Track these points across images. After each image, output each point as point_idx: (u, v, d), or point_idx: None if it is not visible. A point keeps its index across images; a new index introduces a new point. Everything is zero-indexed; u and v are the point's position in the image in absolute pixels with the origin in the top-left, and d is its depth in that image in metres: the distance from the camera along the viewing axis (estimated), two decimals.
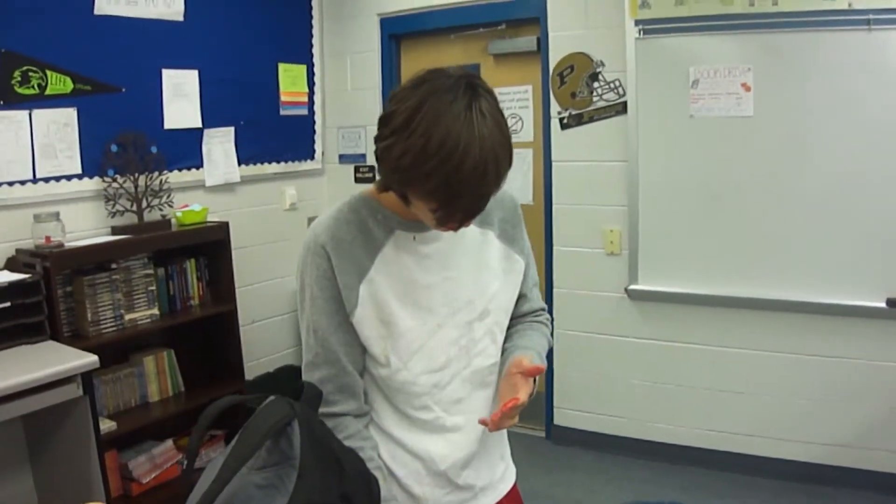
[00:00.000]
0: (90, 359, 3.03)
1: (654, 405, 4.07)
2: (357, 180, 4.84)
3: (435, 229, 1.46)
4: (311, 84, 4.81)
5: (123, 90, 3.81)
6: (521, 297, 1.74)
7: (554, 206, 4.19)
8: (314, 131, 4.86)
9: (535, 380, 1.58)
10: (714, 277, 3.78)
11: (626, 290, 3.99)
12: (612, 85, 3.95)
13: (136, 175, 3.84)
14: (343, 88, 4.85)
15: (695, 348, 3.92)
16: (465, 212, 1.38)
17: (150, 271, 3.79)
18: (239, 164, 4.38)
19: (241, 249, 4.38)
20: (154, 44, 3.95)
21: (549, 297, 4.26)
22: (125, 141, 3.81)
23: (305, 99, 4.76)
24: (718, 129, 3.68)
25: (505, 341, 1.70)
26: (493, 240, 1.67)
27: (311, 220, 4.82)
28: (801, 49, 3.48)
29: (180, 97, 4.08)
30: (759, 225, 3.65)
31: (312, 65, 4.81)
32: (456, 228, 1.44)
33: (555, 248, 4.22)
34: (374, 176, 4.75)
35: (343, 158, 4.90)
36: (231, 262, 4.06)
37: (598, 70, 3.98)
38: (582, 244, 4.14)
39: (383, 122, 1.37)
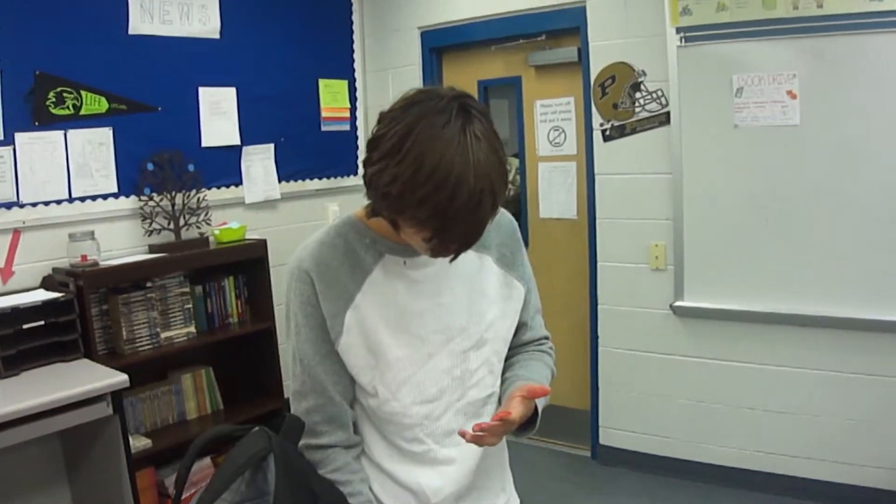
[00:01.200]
0: (120, 378, 3.05)
1: (701, 425, 3.92)
2: None
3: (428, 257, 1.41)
4: (352, 99, 4.81)
5: (159, 109, 3.86)
6: (521, 326, 1.67)
7: (598, 221, 4.08)
8: (356, 146, 4.84)
9: (538, 414, 1.51)
10: (761, 293, 3.62)
11: (671, 306, 3.86)
12: (654, 95, 3.82)
13: (173, 193, 3.89)
14: (385, 103, 4.73)
15: (741, 367, 3.75)
16: (460, 241, 1.31)
17: (187, 289, 3.82)
18: (279, 180, 4.40)
19: (283, 267, 4.34)
20: (190, 62, 4.00)
21: (593, 314, 4.16)
22: (161, 159, 3.86)
23: (347, 114, 4.76)
24: (764, 139, 3.53)
25: (504, 371, 1.62)
26: (491, 265, 1.59)
27: None
28: (848, 53, 3.31)
29: (218, 115, 4.11)
30: (807, 238, 3.49)
31: (354, 80, 4.80)
32: (452, 258, 1.38)
33: (599, 263, 4.10)
34: None
35: None
36: (269, 280, 4.06)
37: (639, 80, 3.86)
38: (626, 259, 4.01)
39: (372, 145, 1.32)
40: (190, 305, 3.82)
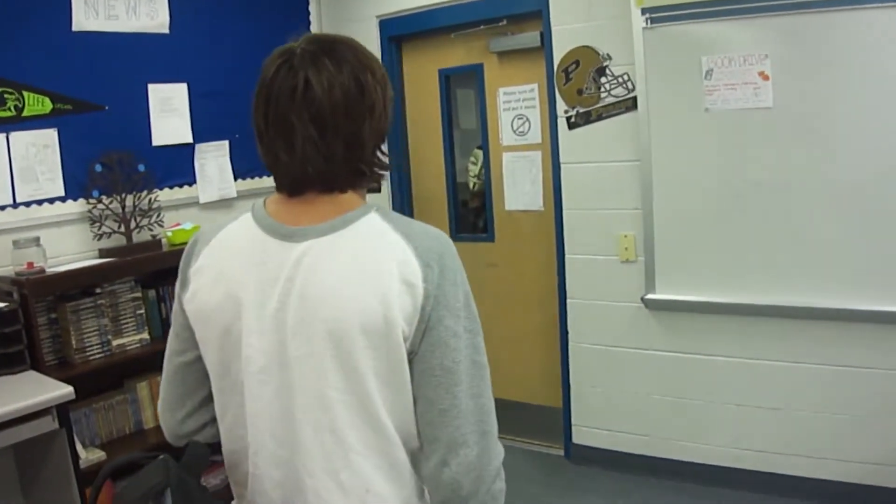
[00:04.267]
0: (64, 390, 2.81)
1: (679, 422, 3.64)
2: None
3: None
4: None
5: (107, 108, 3.54)
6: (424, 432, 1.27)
7: (564, 212, 3.79)
8: None
9: None
10: (738, 284, 3.35)
11: (642, 299, 3.58)
12: (620, 79, 3.55)
13: (123, 195, 3.58)
14: None
15: (720, 361, 3.49)
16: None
17: (139, 294, 3.51)
18: (235, 178, 4.08)
19: None
20: (138, 58, 3.67)
21: (562, 309, 3.88)
22: (110, 160, 3.54)
23: None
24: (736, 123, 3.25)
25: None
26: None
27: None
28: (823, 31, 3.03)
29: (169, 112, 3.79)
30: (785, 225, 3.22)
31: None
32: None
33: (567, 256, 3.81)
34: (378, 187, 4.40)
35: None
36: None
37: (604, 64, 3.58)
38: (595, 251, 3.73)
39: None
40: (142, 311, 3.51)
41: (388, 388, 1.21)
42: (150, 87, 3.73)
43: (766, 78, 3.18)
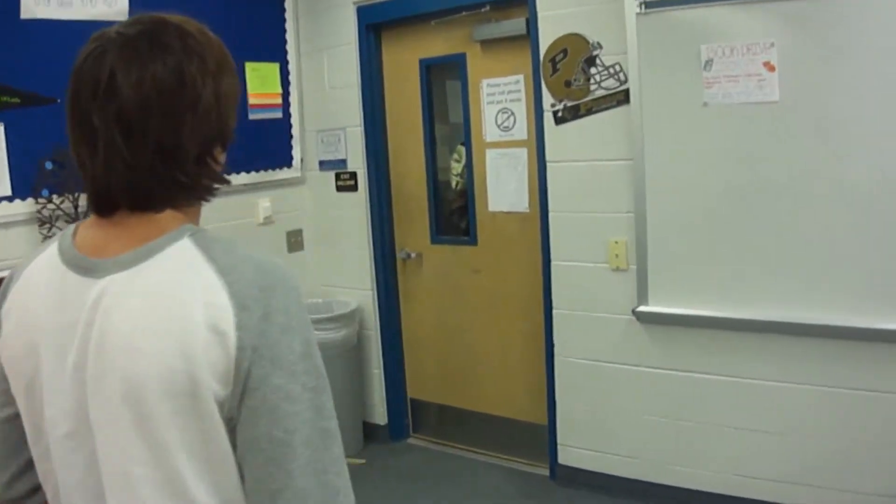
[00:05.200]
0: None
1: (671, 445, 3.27)
2: (339, 188, 4.14)
3: None
4: (285, 84, 4.12)
5: (59, 101, 3.16)
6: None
7: (550, 215, 3.43)
8: (291, 136, 4.16)
9: None
10: (739, 297, 2.97)
11: (633, 311, 3.22)
12: (611, 70, 3.18)
13: (76, 194, 3.25)
14: (321, 87, 4.15)
15: (717, 380, 3.11)
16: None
17: None
18: None
19: None
20: None
21: (547, 319, 3.51)
22: (62, 157, 3.19)
23: (279, 100, 4.06)
24: (738, 119, 2.87)
25: None
26: None
27: (290, 234, 4.20)
28: (836, 17, 2.65)
29: None
30: (792, 233, 2.84)
31: (286, 63, 4.11)
32: None
33: (553, 263, 3.45)
34: (355, 184, 4.09)
35: (323, 165, 4.21)
36: None
37: (594, 53, 3.21)
38: (583, 258, 3.36)
39: None
40: None
41: (204, 464, 0.92)
42: None
43: (771, 69, 2.80)
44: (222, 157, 1.07)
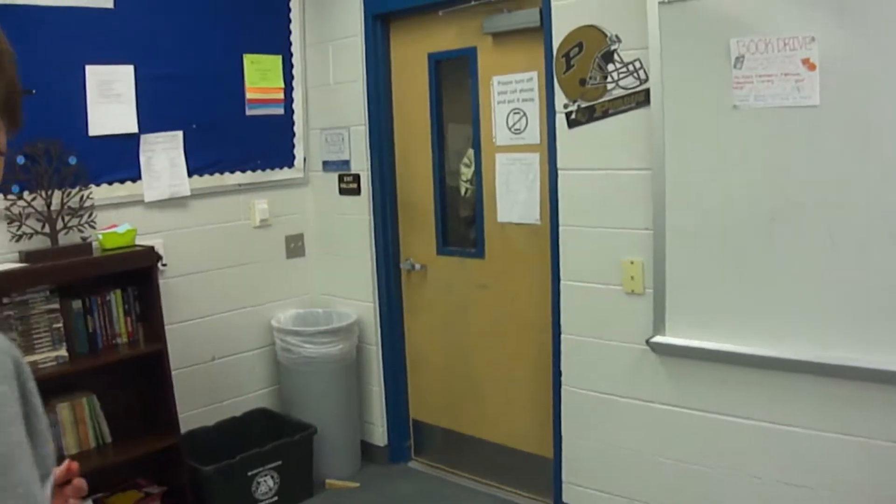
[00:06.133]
0: None
1: (687, 492, 2.83)
2: (342, 192, 3.80)
3: None
4: (288, 78, 3.79)
5: (34, 92, 2.95)
6: None
7: (561, 229, 3.03)
8: (293, 134, 3.84)
9: None
10: (768, 330, 2.52)
11: (648, 342, 2.81)
12: (630, 67, 2.76)
13: (50, 191, 3.00)
14: (325, 81, 3.82)
15: (739, 423, 2.66)
16: None
17: (55, 305, 2.94)
18: (190, 174, 3.44)
19: (198, 274, 3.51)
20: (75, 36, 3.09)
21: (555, 344, 3.11)
22: (35, 151, 2.97)
23: (281, 95, 3.74)
24: (772, 125, 2.43)
25: None
26: None
27: (290, 238, 3.88)
28: (889, 8, 2.19)
29: (109, 97, 3.19)
30: (829, 258, 2.37)
31: (290, 55, 3.78)
32: None
33: (562, 282, 3.04)
34: (358, 187, 3.74)
35: (327, 166, 3.87)
36: (158, 294, 3.13)
37: (612, 48, 2.80)
38: (595, 279, 2.95)
39: None
40: (60, 325, 2.93)
41: None
42: (89, 68, 3.14)
43: (811, 67, 2.34)
44: None
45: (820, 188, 2.38)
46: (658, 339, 2.77)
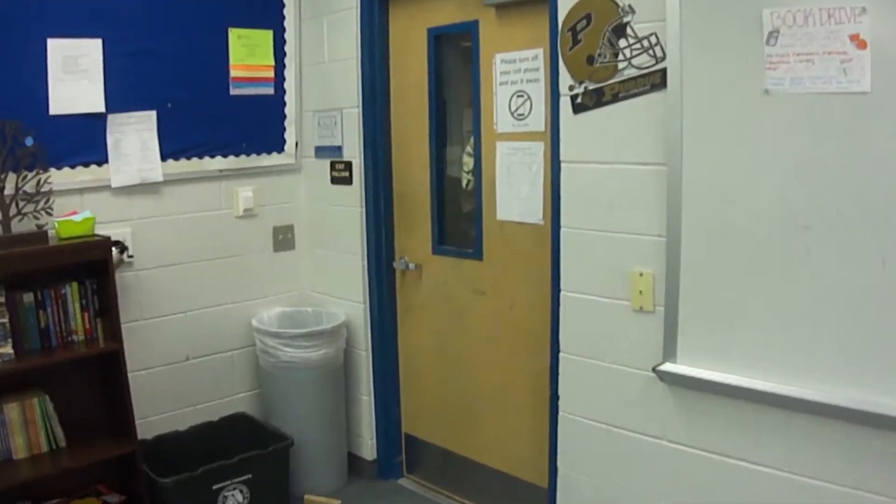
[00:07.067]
0: None
1: None
2: (333, 180, 3.41)
3: None
4: (280, 55, 3.40)
5: None
6: None
7: (562, 231, 2.58)
8: (283, 115, 3.44)
9: None
10: (800, 365, 2.03)
11: (655, 370, 2.36)
12: (645, 43, 2.29)
13: (3, 174, 2.70)
14: (320, 60, 3.43)
15: (762, 472, 2.17)
16: None
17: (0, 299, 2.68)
18: (165, 158, 3.10)
19: (172, 267, 3.18)
20: (34, 6, 2.77)
21: (553, 363, 2.67)
22: None
23: (271, 74, 3.35)
24: (811, 114, 1.94)
25: None
26: None
27: (278, 230, 3.52)
28: None
29: (74, 73, 2.86)
30: (879, 281, 1.87)
31: (283, 30, 3.38)
32: None
33: (563, 292, 2.60)
34: (350, 175, 3.35)
35: (319, 152, 3.47)
36: (114, 288, 2.79)
37: (625, 20, 2.33)
38: (599, 291, 2.49)
39: None
40: (5, 319, 2.63)
41: None
42: (50, 42, 2.82)
43: (861, 45, 1.84)
44: None
45: (868, 194, 1.88)
46: (668, 366, 2.31)
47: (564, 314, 2.61)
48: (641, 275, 2.38)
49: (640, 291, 2.39)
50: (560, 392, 2.66)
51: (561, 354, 2.64)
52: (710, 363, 2.23)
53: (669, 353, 2.31)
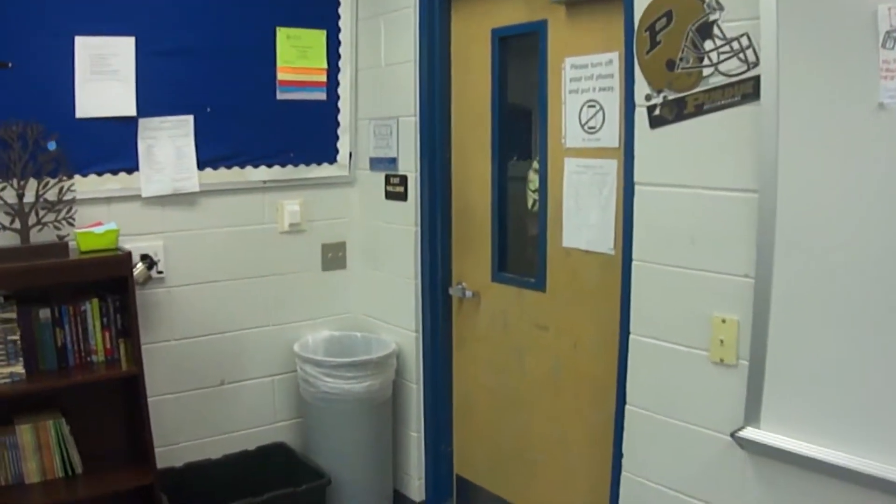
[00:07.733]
0: None
1: None
2: (388, 195, 3.24)
3: None
4: (333, 57, 3.26)
5: (10, 65, 2.64)
6: None
7: (634, 263, 2.31)
8: (338, 124, 3.30)
9: None
10: None
11: (734, 436, 2.08)
12: (735, 46, 2.01)
13: (23, 181, 2.66)
14: (376, 64, 3.26)
15: None
16: None
17: (11, 315, 2.58)
18: (202, 166, 3.01)
19: (207, 285, 3.09)
20: (62, 1, 2.71)
21: (619, 417, 2.40)
22: (9, 134, 2.64)
23: (324, 77, 3.22)
24: None
25: None
26: None
27: (328, 247, 3.37)
28: None
29: (103, 74, 2.80)
30: None
31: (338, 30, 3.25)
32: None
33: (632, 336, 2.33)
34: (405, 191, 3.16)
35: (374, 164, 3.31)
36: (135, 308, 2.69)
37: (712, 18, 2.05)
38: (674, 337, 2.22)
39: None
40: (16, 336, 2.57)
41: None
42: (78, 39, 2.76)
43: None
44: None
45: None
46: (749, 432, 2.01)
47: (633, 361, 2.34)
48: (724, 321, 2.09)
49: (722, 341, 2.10)
50: (624, 450, 2.38)
51: (627, 407, 2.36)
52: (800, 432, 1.92)
53: (752, 416, 2.01)
